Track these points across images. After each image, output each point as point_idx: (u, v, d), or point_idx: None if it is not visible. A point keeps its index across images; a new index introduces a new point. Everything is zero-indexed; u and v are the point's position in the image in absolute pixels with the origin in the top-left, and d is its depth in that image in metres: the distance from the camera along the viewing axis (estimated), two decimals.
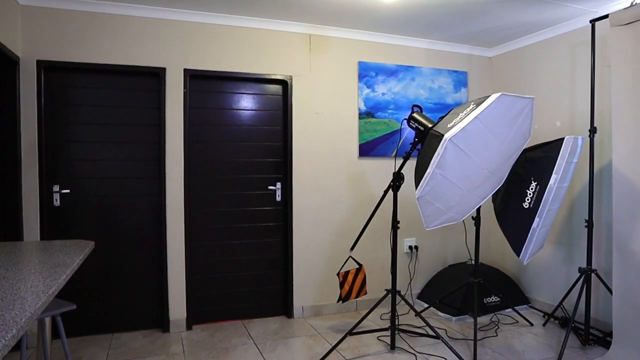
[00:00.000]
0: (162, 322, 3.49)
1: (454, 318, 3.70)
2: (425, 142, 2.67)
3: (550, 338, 3.34)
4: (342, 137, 3.93)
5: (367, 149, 4.00)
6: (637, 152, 2.76)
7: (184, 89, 3.45)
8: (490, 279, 3.89)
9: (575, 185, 3.59)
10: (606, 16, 2.95)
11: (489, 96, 2.56)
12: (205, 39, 3.50)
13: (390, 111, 4.08)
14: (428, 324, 3.04)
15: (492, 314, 3.79)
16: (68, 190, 3.27)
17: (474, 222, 3.14)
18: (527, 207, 2.78)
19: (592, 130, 3.09)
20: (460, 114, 2.56)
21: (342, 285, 3.39)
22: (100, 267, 3.35)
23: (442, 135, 2.43)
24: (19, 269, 1.63)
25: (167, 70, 3.41)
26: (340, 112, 3.92)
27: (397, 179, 3.02)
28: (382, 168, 4.04)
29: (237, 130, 3.70)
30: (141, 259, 3.45)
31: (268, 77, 3.68)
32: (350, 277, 3.41)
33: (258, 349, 3.16)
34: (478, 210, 3.00)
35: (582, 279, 3.12)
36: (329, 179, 3.89)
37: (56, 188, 3.24)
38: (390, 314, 3.13)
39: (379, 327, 3.39)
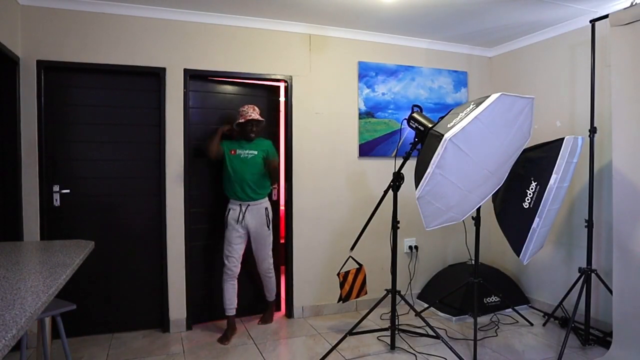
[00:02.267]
0: (162, 322, 3.49)
1: (454, 318, 3.70)
2: (425, 142, 2.67)
3: (550, 338, 3.34)
4: (342, 137, 3.93)
5: (367, 149, 4.00)
6: (637, 152, 2.76)
7: (184, 89, 3.45)
8: (490, 279, 3.89)
9: (575, 185, 3.59)
10: (606, 16, 2.95)
11: (489, 96, 2.56)
12: (205, 39, 3.50)
13: (390, 111, 4.08)
14: (428, 324, 3.05)
15: (492, 314, 3.79)
16: (68, 190, 3.27)
17: (474, 222, 3.14)
18: (527, 207, 2.78)
19: (592, 130, 3.08)
20: (460, 114, 2.56)
21: (342, 285, 3.38)
22: (100, 267, 3.35)
23: (442, 135, 2.43)
24: (19, 269, 1.63)
25: (167, 70, 3.41)
26: (340, 112, 3.92)
27: (397, 179, 3.02)
28: (382, 168, 4.04)
29: None
30: (141, 259, 3.45)
31: (268, 77, 3.68)
32: (350, 277, 3.41)
33: (258, 349, 3.16)
34: (478, 210, 3.00)
35: (582, 279, 3.12)
36: (329, 179, 3.89)
37: (56, 188, 3.24)
38: (390, 314, 3.13)
39: (379, 327, 3.39)
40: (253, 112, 3.34)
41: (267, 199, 3.51)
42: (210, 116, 3.61)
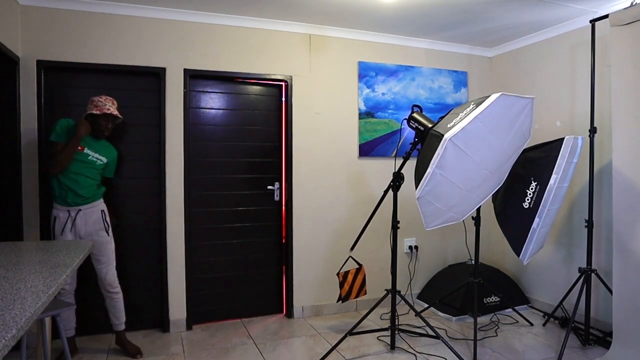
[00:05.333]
0: (162, 322, 3.49)
1: (454, 318, 3.70)
2: (425, 142, 2.67)
3: (550, 338, 3.34)
4: (342, 137, 3.93)
5: (367, 149, 4.00)
6: (637, 152, 2.76)
7: (184, 89, 3.45)
8: (490, 279, 3.89)
9: (575, 185, 3.59)
10: (606, 16, 2.95)
11: (489, 96, 2.56)
12: (205, 39, 3.50)
13: (390, 111, 4.08)
14: (428, 324, 3.04)
15: (492, 314, 3.79)
16: None
17: (474, 222, 3.14)
18: (527, 207, 2.78)
19: (592, 130, 3.09)
20: (460, 114, 2.56)
21: (342, 285, 3.39)
22: None
23: (442, 135, 2.43)
24: (19, 269, 1.63)
25: (167, 70, 3.41)
26: (340, 112, 3.92)
27: (397, 179, 3.02)
28: (382, 168, 4.04)
29: (237, 130, 3.70)
30: (141, 259, 3.45)
31: (268, 77, 3.68)
32: (350, 277, 3.41)
33: (258, 349, 3.16)
34: (478, 210, 3.00)
35: (582, 279, 3.12)
36: (329, 179, 3.89)
37: None
38: (390, 314, 3.13)
39: (379, 327, 3.39)
40: (112, 106, 2.90)
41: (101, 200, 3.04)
42: (210, 116, 3.61)
